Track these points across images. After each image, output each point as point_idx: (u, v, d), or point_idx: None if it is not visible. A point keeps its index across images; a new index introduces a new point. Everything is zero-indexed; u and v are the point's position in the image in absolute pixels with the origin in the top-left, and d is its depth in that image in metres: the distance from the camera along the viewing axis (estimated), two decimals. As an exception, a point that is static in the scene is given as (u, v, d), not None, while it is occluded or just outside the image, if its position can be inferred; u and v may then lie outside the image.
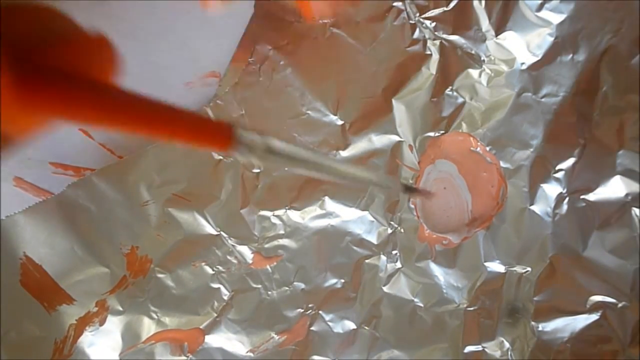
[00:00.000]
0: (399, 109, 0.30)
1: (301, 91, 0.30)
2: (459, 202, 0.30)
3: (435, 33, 0.30)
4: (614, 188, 0.28)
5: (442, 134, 0.30)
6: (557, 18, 0.29)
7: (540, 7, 0.29)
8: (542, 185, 0.29)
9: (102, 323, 0.30)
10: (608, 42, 0.28)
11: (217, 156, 0.30)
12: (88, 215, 0.29)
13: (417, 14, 0.30)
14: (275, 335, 0.30)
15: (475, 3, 0.29)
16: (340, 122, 0.30)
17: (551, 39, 0.29)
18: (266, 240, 0.30)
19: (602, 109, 0.29)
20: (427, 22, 0.30)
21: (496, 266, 0.30)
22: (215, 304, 0.30)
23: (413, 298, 0.30)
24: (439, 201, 0.30)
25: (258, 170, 0.30)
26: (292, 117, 0.30)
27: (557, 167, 0.29)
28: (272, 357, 0.30)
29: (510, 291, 0.29)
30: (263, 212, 0.30)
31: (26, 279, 0.30)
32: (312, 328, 0.30)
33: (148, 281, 0.30)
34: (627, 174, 0.28)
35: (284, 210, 0.30)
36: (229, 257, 0.30)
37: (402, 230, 0.30)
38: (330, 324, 0.30)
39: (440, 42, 0.30)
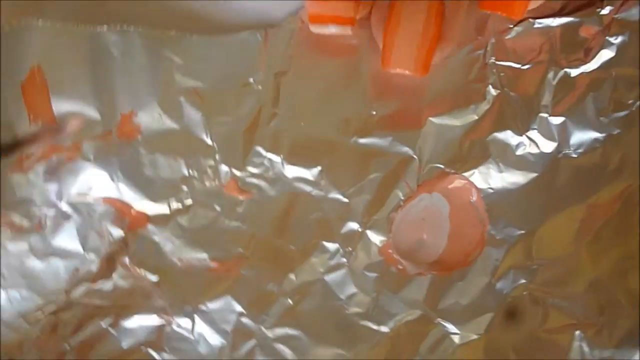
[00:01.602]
0: (429, 129, 0.30)
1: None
2: (434, 241, 0.30)
3: (500, 83, 0.30)
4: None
5: (453, 173, 0.30)
6: (612, 130, 0.29)
7: (605, 112, 0.29)
8: (512, 270, 0.29)
9: (68, 161, 0.30)
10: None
11: (250, 79, 0.30)
12: (111, 62, 0.30)
13: (493, 58, 0.30)
14: (208, 259, 0.30)
15: (550, 76, 0.29)
16: (373, 112, 0.30)
17: (597, 145, 0.29)
18: (249, 174, 0.30)
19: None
20: (498, 70, 0.29)
21: (430, 313, 0.30)
22: (174, 203, 0.30)
23: (343, 299, 0.30)
24: (416, 228, 0.30)
25: (277, 112, 0.30)
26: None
27: (537, 258, 0.29)
28: (194, 272, 0.30)
29: (429, 342, 0.30)
30: (260, 149, 0.30)
31: (28, 85, 0.30)
32: (242, 271, 0.30)
33: (127, 148, 0.30)
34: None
35: (279, 158, 0.30)
36: (208, 170, 0.30)
37: (368, 234, 0.30)
38: (259, 277, 0.30)
39: (499, 94, 0.29)
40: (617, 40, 0.29)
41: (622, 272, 0.29)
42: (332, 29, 0.29)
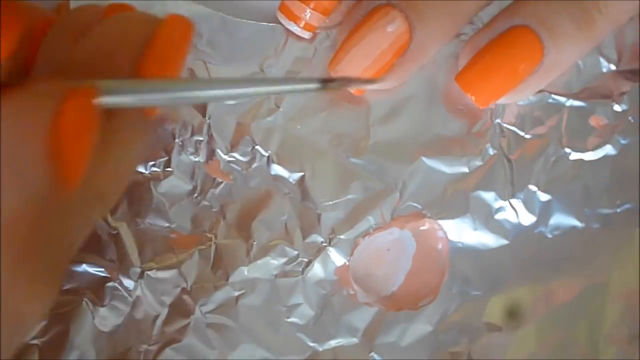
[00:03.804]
0: (418, 167, 0.30)
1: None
2: (391, 276, 0.30)
3: (500, 145, 0.30)
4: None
5: (429, 217, 0.30)
6: (593, 224, 0.29)
7: (591, 205, 0.29)
8: (458, 327, 0.29)
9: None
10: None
11: (261, 69, 0.30)
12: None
13: (500, 119, 0.30)
14: (169, 229, 0.30)
15: (549, 151, 0.29)
16: (370, 135, 0.30)
17: (574, 234, 0.29)
18: (233, 159, 0.30)
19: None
20: (502, 132, 0.30)
21: (366, 344, 0.30)
22: (152, 167, 0.30)
23: (287, 306, 0.30)
24: (378, 258, 0.30)
25: (278, 108, 0.30)
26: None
27: (485, 323, 0.29)
28: (152, 237, 0.30)
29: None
30: (251, 139, 0.30)
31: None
32: (198, 251, 0.30)
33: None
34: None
35: (267, 154, 0.30)
36: (195, 144, 0.30)
37: (330, 250, 0.30)
38: (213, 261, 0.30)
39: (495, 154, 0.30)
40: (623, 140, 0.29)
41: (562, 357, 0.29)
42: (292, 27, 0.29)
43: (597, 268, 0.29)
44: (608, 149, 0.29)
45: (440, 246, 0.30)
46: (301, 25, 0.29)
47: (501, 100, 0.28)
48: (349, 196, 0.30)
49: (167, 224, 0.30)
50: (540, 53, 0.26)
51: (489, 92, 0.27)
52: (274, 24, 0.30)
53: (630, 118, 0.29)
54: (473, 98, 0.27)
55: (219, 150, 0.30)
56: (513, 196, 0.29)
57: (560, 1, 0.26)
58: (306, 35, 0.30)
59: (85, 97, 0.13)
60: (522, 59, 0.26)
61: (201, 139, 0.30)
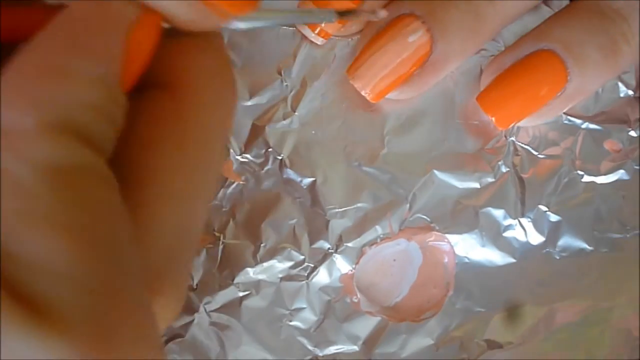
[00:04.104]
0: (429, 180, 0.30)
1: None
2: (396, 287, 0.30)
3: (513, 163, 0.30)
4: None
5: (437, 230, 0.30)
6: (601, 247, 0.29)
7: (600, 228, 0.29)
8: (459, 342, 0.29)
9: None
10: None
11: (280, 72, 0.30)
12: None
13: (514, 137, 0.30)
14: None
15: (562, 172, 0.29)
16: (384, 145, 0.30)
17: (582, 256, 0.29)
18: (247, 161, 0.31)
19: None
20: (515, 150, 0.30)
21: (366, 353, 0.30)
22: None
23: (290, 309, 0.30)
24: (383, 268, 0.30)
25: (294, 112, 0.30)
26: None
27: (486, 340, 0.29)
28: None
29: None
30: (265, 142, 0.30)
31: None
32: (206, 250, 0.30)
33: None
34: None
35: (280, 157, 0.30)
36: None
37: (336, 257, 0.30)
38: (220, 260, 0.30)
39: (507, 172, 0.30)
40: (637, 166, 0.29)
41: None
42: (307, 32, 0.29)
43: (602, 293, 0.29)
44: (621, 174, 0.29)
45: (446, 260, 0.30)
46: (316, 31, 0.29)
47: (520, 123, 0.28)
48: (359, 204, 0.30)
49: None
50: (564, 79, 0.26)
51: (509, 114, 0.27)
52: (294, 29, 0.31)
53: (646, 144, 0.29)
54: (493, 119, 0.27)
55: (232, 151, 0.31)
56: (523, 215, 0.29)
57: (588, 29, 0.26)
58: (319, 41, 0.30)
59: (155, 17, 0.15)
60: (545, 84, 0.26)
61: (217, 139, 0.31)
